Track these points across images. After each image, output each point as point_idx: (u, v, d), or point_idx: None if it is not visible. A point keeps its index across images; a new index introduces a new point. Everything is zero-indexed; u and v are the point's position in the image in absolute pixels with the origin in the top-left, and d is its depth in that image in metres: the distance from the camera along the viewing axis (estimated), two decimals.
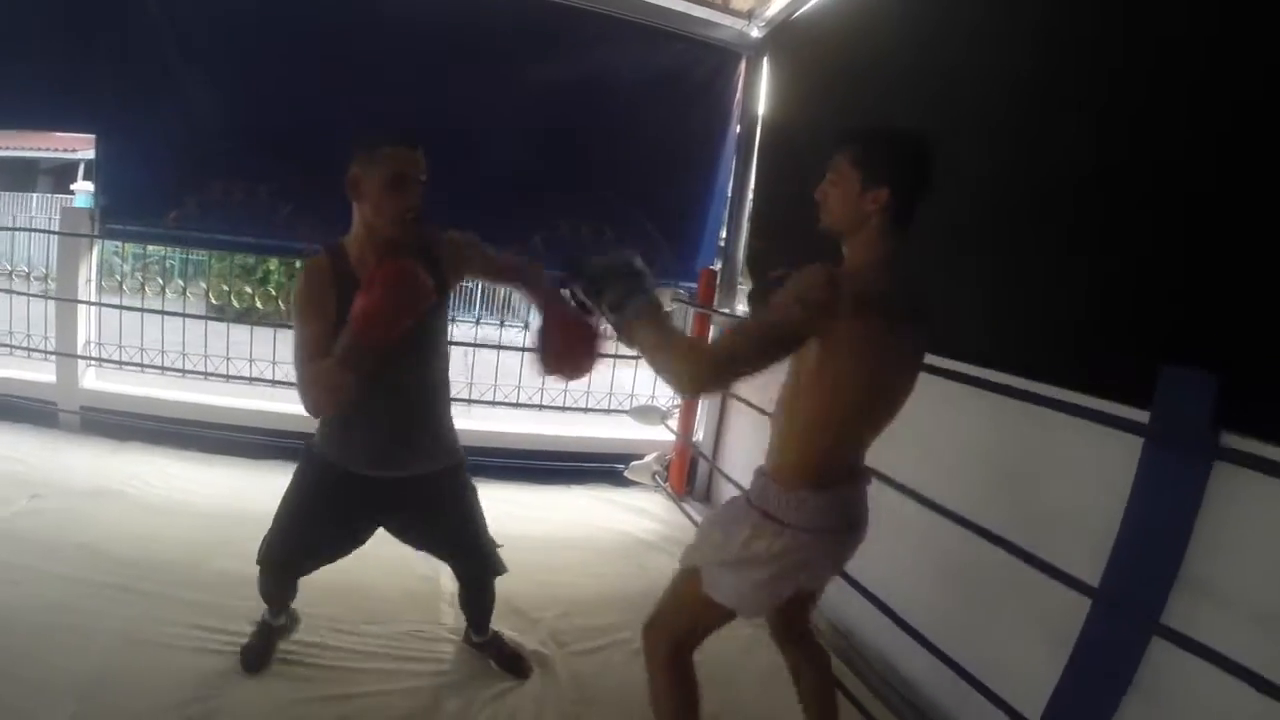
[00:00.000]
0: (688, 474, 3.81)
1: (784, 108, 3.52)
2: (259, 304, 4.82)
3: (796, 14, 3.37)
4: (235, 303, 4.43)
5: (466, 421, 3.41)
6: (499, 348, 3.91)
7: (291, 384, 1.71)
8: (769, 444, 1.46)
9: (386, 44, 3.27)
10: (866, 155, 1.29)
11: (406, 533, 1.90)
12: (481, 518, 1.92)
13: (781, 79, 3.55)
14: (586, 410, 4.03)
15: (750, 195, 3.80)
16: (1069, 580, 1.55)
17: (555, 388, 3.82)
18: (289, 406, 3.51)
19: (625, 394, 4.05)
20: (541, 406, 3.96)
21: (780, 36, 3.54)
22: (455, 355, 1.92)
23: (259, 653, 1.97)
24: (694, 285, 3.79)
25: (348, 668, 2.03)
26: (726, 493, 3.48)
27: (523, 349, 3.61)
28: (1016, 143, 2.05)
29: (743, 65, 3.75)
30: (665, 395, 3.91)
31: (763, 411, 2.79)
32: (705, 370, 1.25)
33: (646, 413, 3.74)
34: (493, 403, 3.94)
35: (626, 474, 3.76)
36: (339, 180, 1.53)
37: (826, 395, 1.30)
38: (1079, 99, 1.87)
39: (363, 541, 1.86)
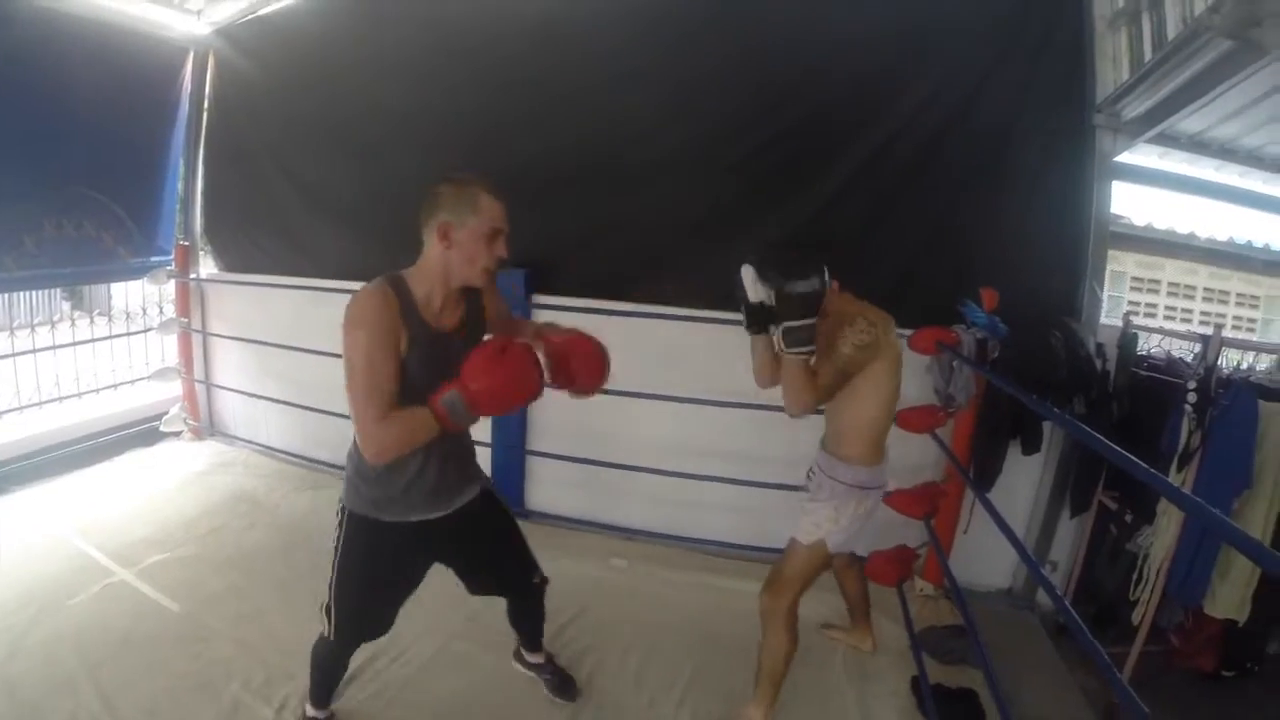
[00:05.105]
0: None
1: (231, 97, 4.81)
2: None
3: (244, 19, 4.65)
4: None
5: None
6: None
7: None
8: (836, 435, 2.39)
9: None
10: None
11: (465, 561, 2.14)
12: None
13: (229, 71, 4.79)
14: (98, 391, 5.03)
15: (201, 175, 5.05)
16: None
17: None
18: None
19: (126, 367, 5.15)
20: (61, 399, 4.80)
21: (228, 35, 4.73)
22: None
23: None
24: (171, 258, 4.94)
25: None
26: (223, 408, 5.16)
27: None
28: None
29: (190, 58, 4.81)
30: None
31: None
32: (814, 404, 2.11)
33: (165, 373, 4.97)
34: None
35: (162, 428, 4.99)
36: None
37: (885, 402, 2.26)
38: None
39: (419, 583, 2.09)
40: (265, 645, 2.77)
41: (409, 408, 1.59)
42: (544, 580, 2.29)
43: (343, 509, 1.91)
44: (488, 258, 1.71)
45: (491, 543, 2.14)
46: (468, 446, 2.05)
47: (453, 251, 1.68)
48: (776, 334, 2.03)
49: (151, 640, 2.76)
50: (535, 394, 1.63)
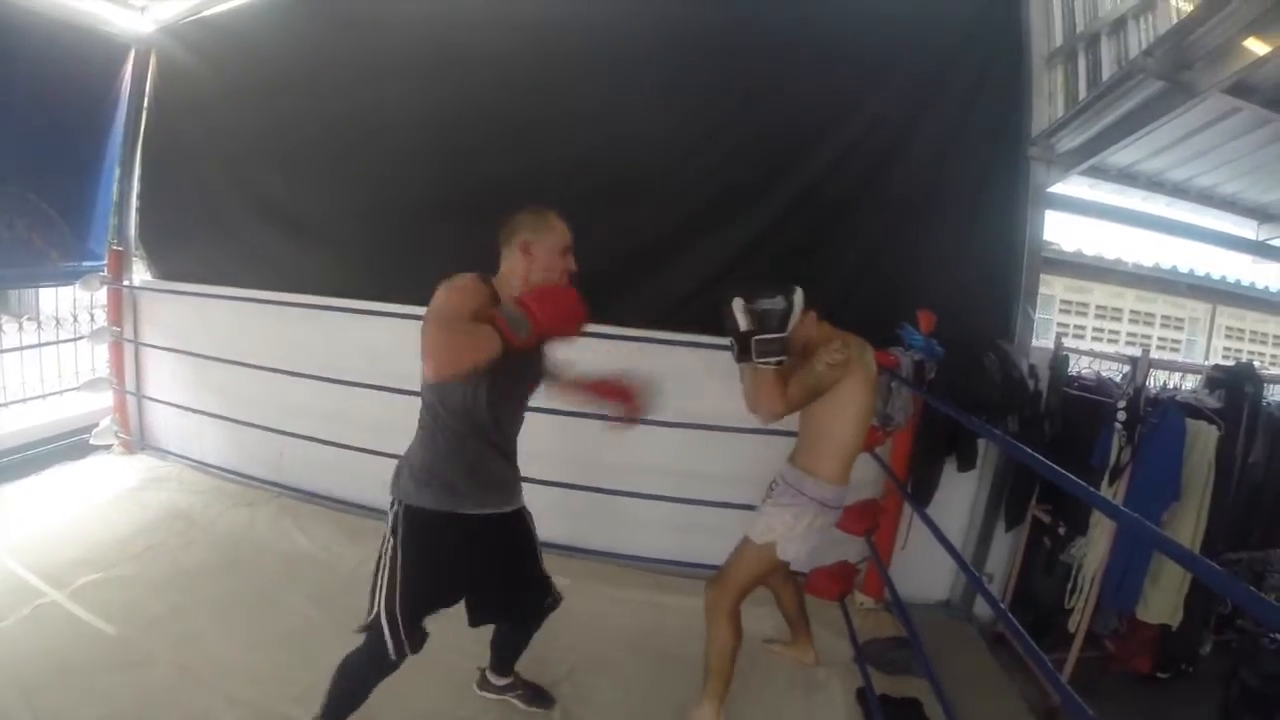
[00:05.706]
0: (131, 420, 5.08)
1: (174, 98, 4.68)
2: None
3: (192, 17, 4.55)
4: None
5: None
6: None
7: None
8: (807, 450, 2.49)
9: None
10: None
11: (498, 575, 2.17)
12: None
13: (172, 71, 4.67)
14: (25, 401, 4.84)
15: (138, 177, 4.90)
16: None
17: None
18: None
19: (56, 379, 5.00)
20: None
21: (175, 33, 4.61)
22: None
23: None
24: (104, 263, 4.81)
25: None
26: (155, 421, 5.01)
27: None
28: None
29: (132, 55, 4.67)
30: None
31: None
32: (782, 411, 2.24)
33: (96, 384, 4.81)
34: None
35: (93, 441, 4.83)
36: None
37: (855, 420, 2.39)
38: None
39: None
40: (208, 669, 2.70)
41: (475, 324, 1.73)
42: (556, 602, 2.38)
43: (400, 507, 1.99)
44: (562, 267, 2.00)
45: (524, 555, 2.25)
46: (515, 450, 2.17)
47: (534, 264, 1.96)
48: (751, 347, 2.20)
49: (88, 665, 2.66)
50: (582, 324, 1.84)
